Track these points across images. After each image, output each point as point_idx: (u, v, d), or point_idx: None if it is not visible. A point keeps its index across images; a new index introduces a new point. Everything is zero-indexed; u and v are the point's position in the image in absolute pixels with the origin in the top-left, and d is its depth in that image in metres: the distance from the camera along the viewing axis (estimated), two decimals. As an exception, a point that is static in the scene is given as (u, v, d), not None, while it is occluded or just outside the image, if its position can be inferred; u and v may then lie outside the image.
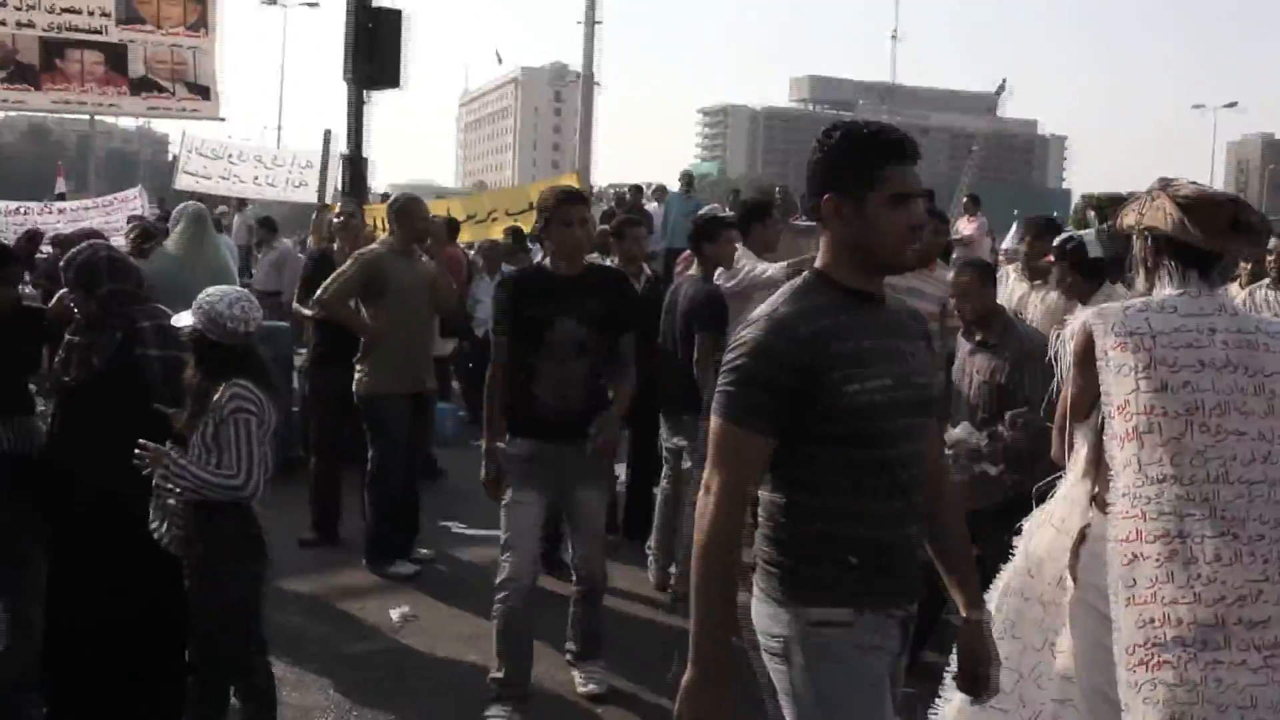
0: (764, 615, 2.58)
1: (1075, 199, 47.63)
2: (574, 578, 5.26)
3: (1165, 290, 3.04)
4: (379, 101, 14.71)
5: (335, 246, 7.96)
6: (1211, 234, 2.98)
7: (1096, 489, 3.15)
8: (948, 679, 3.27)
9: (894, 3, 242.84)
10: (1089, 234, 5.56)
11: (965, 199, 18.79)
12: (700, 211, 7.66)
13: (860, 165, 2.50)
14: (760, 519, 2.61)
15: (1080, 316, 3.10)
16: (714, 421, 2.50)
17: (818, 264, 2.59)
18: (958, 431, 4.88)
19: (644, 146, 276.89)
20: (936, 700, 3.47)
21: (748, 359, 2.46)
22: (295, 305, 8.07)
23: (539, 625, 5.09)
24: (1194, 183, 3.10)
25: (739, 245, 6.70)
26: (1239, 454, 2.87)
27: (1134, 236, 3.16)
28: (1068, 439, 3.22)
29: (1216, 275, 3.06)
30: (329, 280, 6.90)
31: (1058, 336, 3.20)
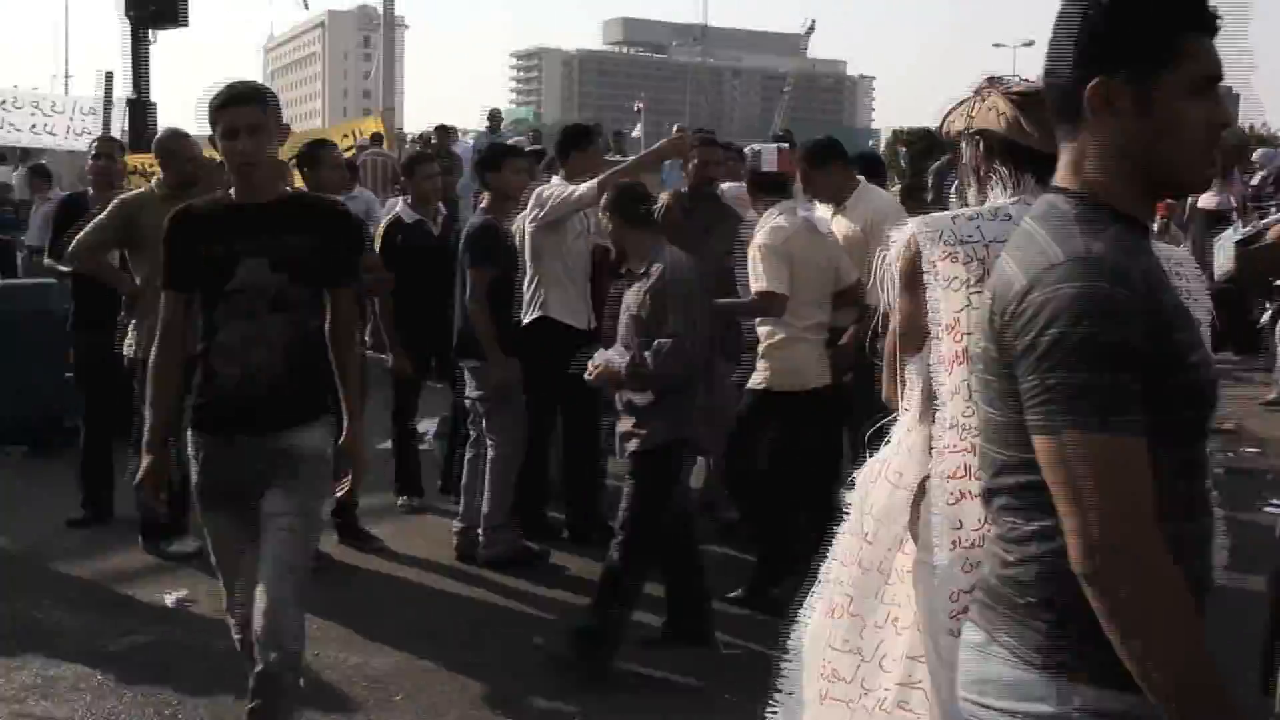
0: (1005, 682, 1.78)
1: (885, 136, 48.56)
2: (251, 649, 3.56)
3: (999, 198, 2.69)
4: (172, 46, 13.82)
5: (90, 192, 7.14)
6: (1049, 133, 2.62)
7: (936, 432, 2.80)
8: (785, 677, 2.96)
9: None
10: (767, 148, 5.72)
11: (778, 136, 18.69)
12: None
13: (1152, 32, 1.76)
14: (1010, 545, 1.81)
15: (905, 230, 2.73)
16: (1068, 440, 1.64)
17: (1069, 181, 1.86)
18: (610, 353, 4.81)
19: (457, 91, 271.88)
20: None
21: (1089, 324, 1.63)
22: (47, 260, 7.26)
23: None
24: (1025, 79, 2.74)
25: (556, 176, 6.24)
26: None
27: (963, 143, 2.80)
28: (899, 375, 2.84)
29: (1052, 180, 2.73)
30: (81, 228, 6.14)
31: (880, 257, 2.82)
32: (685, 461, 4.86)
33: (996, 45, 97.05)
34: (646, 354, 4.64)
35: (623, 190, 5.04)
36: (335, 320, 3.70)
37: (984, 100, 2.72)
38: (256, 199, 3.60)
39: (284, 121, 3.69)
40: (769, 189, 5.55)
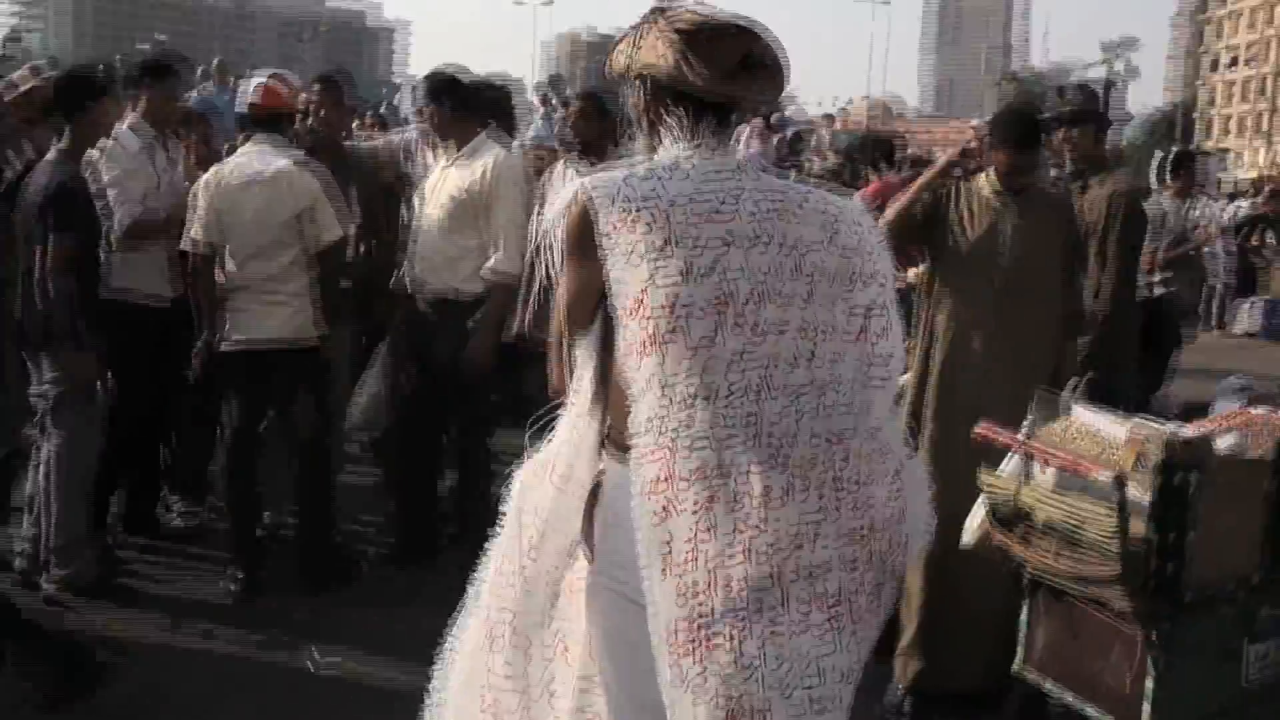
0: None
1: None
2: None
3: (674, 149, 2.34)
4: None
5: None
6: (719, 76, 2.30)
7: (610, 424, 2.41)
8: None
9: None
10: (255, 79, 5.16)
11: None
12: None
13: None
14: None
15: (570, 187, 2.32)
16: None
17: None
18: None
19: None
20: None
21: None
22: None
23: None
24: (690, 9, 2.37)
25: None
26: (781, 355, 2.25)
27: (626, 83, 2.43)
28: (567, 359, 2.43)
29: (732, 127, 2.41)
30: None
31: (537, 218, 2.39)
32: None
33: (517, 3, 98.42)
34: None
35: None
36: None
37: (647, 34, 2.34)
38: None
39: None
40: (252, 123, 5.05)
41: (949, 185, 4.31)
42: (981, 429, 3.57)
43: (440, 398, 5.18)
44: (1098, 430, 3.44)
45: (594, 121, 5.33)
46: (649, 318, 2.18)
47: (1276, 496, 3.27)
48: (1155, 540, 3.15)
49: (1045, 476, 3.51)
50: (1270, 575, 3.32)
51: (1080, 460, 3.28)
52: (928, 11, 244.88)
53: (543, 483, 2.47)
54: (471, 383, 5.05)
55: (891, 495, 2.36)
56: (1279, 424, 3.41)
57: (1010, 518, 3.50)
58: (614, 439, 2.38)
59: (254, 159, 4.96)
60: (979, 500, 3.61)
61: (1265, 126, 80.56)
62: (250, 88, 5.04)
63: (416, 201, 5.27)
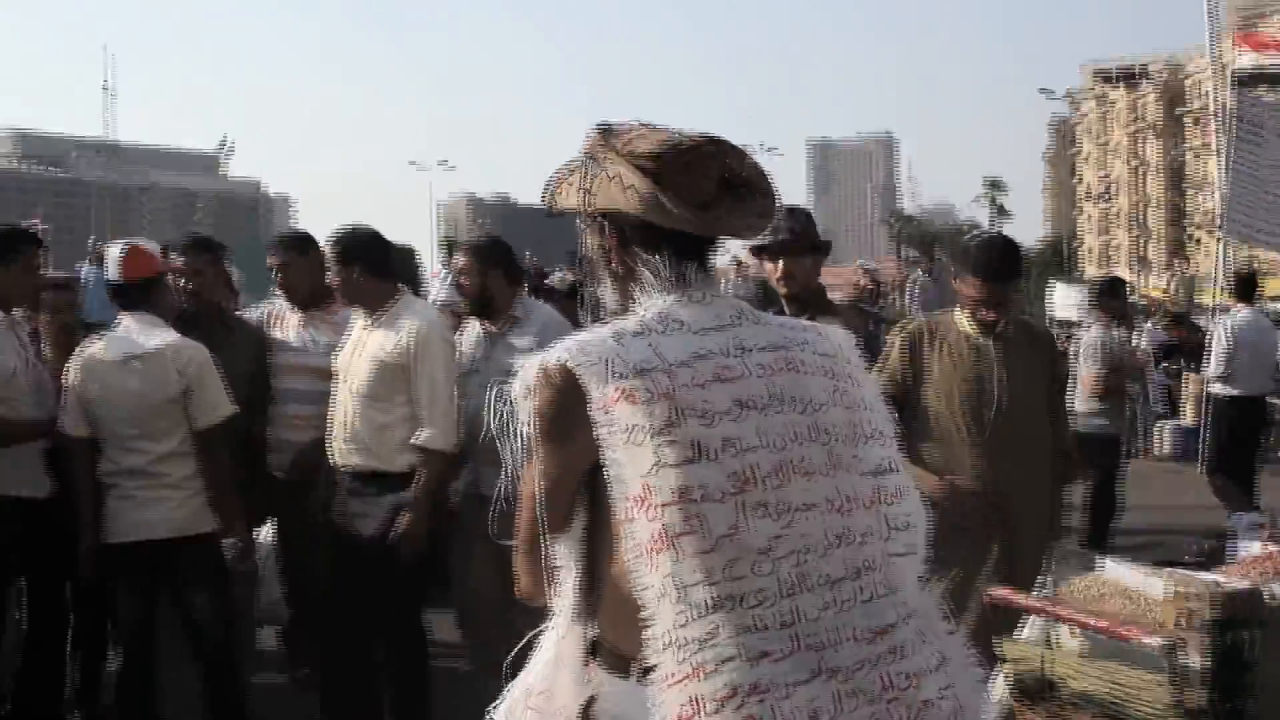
0: None
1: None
2: None
3: (657, 299, 1.94)
4: None
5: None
6: (700, 207, 1.92)
7: (602, 632, 1.97)
8: None
9: (104, 54, 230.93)
10: (114, 248, 4.63)
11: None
12: None
13: None
14: None
15: (540, 358, 1.90)
16: None
17: None
18: None
19: None
20: None
21: None
22: None
23: None
24: (643, 124, 1.98)
25: None
26: (814, 539, 1.85)
27: (582, 226, 2.04)
28: (542, 561, 1.97)
29: (713, 265, 2.02)
30: None
31: (498, 392, 1.95)
32: None
33: (412, 163, 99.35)
34: None
35: None
36: None
37: (601, 167, 1.95)
38: None
39: None
40: (120, 299, 4.50)
41: (917, 329, 3.98)
42: (998, 593, 3.16)
43: (367, 583, 4.60)
44: (1129, 586, 3.05)
45: (479, 277, 4.89)
46: (658, 507, 1.75)
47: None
48: (1213, 708, 2.75)
49: (1070, 641, 3.10)
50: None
51: (1122, 626, 2.87)
52: (809, 159, 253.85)
53: (521, 713, 2.00)
54: (406, 563, 4.51)
55: (941, 691, 1.94)
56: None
57: (1034, 690, 3.08)
58: (608, 650, 1.94)
59: (130, 335, 4.46)
60: (996, 673, 3.19)
61: (1142, 253, 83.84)
62: (110, 262, 4.54)
63: (341, 371, 4.75)
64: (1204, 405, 8.07)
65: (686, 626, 1.75)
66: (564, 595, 1.97)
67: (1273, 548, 3.22)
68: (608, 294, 2.03)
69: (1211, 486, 8.54)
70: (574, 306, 3.70)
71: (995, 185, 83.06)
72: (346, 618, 4.63)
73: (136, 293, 4.49)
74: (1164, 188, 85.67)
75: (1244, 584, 2.91)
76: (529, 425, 1.89)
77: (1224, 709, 2.75)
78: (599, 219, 1.99)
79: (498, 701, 2.06)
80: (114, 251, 4.57)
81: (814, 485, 1.86)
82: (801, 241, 4.32)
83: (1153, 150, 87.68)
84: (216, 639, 4.54)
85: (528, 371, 1.89)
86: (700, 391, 1.81)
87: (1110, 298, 8.57)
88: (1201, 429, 8.13)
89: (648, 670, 1.82)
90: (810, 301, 4.32)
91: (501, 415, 1.93)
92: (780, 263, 4.34)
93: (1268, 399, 9.46)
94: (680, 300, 1.93)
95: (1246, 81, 8.68)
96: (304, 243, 5.33)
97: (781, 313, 3.91)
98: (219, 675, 4.58)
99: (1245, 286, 9.12)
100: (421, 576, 4.72)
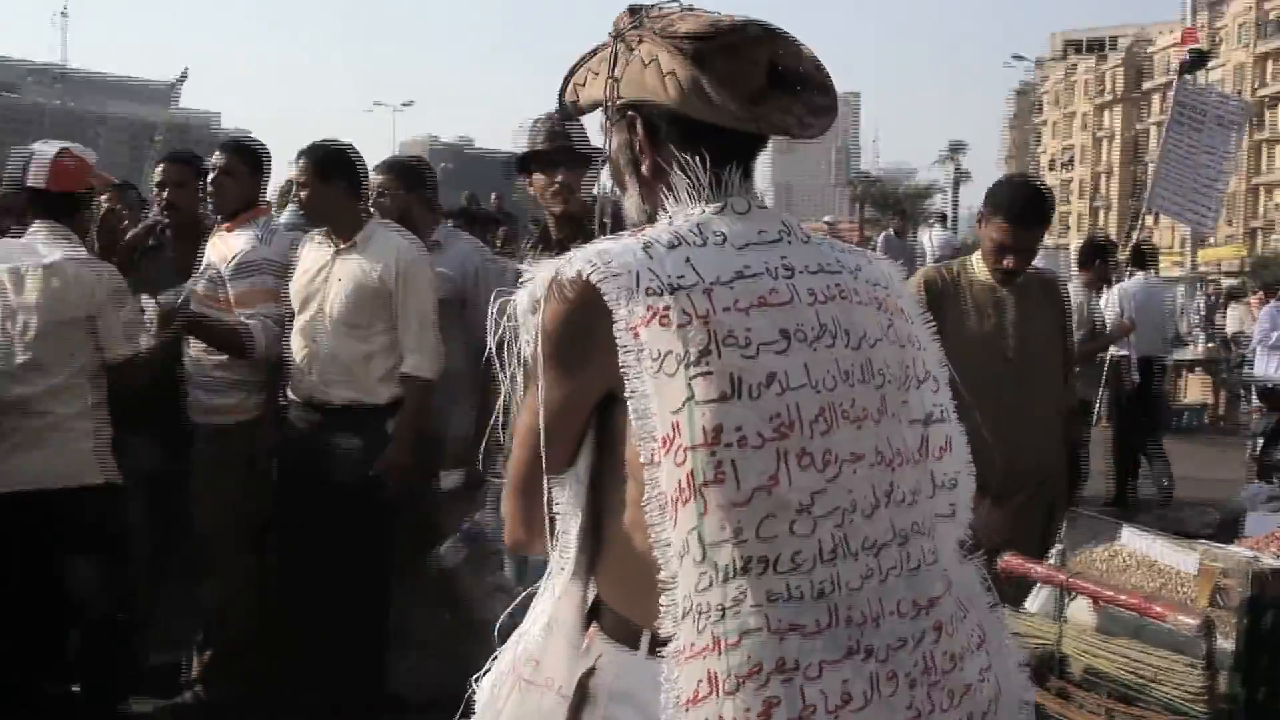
0: None
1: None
2: None
3: (691, 208, 1.66)
4: None
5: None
6: (749, 99, 1.64)
7: (605, 595, 1.71)
8: None
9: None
10: (42, 151, 4.01)
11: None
12: None
13: None
14: None
15: (551, 266, 1.61)
16: None
17: None
18: None
19: None
20: None
21: None
22: None
23: None
24: (687, 4, 1.70)
25: None
26: (860, 496, 1.59)
27: (605, 121, 1.75)
28: (542, 506, 1.69)
29: (754, 175, 1.75)
30: None
31: (500, 306, 1.66)
32: None
33: (377, 103, 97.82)
34: None
35: None
36: None
37: (634, 49, 1.67)
38: None
39: None
40: (37, 207, 3.96)
41: (933, 278, 3.72)
42: (1010, 560, 2.93)
43: (348, 528, 4.20)
44: (1156, 559, 2.83)
45: (400, 193, 4.59)
46: (686, 450, 1.48)
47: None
48: (1243, 696, 2.54)
49: (1084, 615, 2.88)
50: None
51: (1154, 602, 2.64)
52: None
53: (512, 683, 1.74)
54: (387, 501, 4.17)
55: (981, 673, 1.70)
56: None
57: (1043, 667, 2.86)
58: (613, 617, 1.68)
59: (32, 244, 3.91)
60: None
61: (1099, 224, 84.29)
62: (37, 165, 3.94)
63: (295, 297, 4.38)
64: (1104, 368, 8.31)
65: (708, 591, 1.49)
66: (565, 547, 1.69)
67: (1300, 523, 3.00)
68: (633, 203, 1.75)
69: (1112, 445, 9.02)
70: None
71: (956, 149, 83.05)
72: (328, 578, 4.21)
73: (58, 203, 3.95)
74: (1123, 160, 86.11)
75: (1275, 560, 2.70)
76: (533, 345, 1.61)
77: (1257, 697, 2.54)
78: (627, 113, 1.70)
79: (483, 670, 1.80)
80: (44, 153, 3.97)
81: (863, 433, 1.60)
82: (578, 149, 3.70)
83: (1115, 121, 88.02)
84: (99, 614, 3.97)
85: (536, 283, 1.61)
86: (741, 317, 1.54)
87: (1094, 258, 8.32)
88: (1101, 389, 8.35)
89: (661, 642, 1.56)
90: (584, 225, 3.60)
91: (502, 332, 1.65)
92: (560, 174, 3.69)
93: (1162, 360, 10.05)
94: (719, 210, 1.65)
95: (1188, 69, 9.11)
96: (252, 153, 4.68)
97: (551, 248, 3.55)
98: (96, 658, 4.05)
99: (1138, 256, 9.89)
100: (395, 519, 4.37)
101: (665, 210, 1.68)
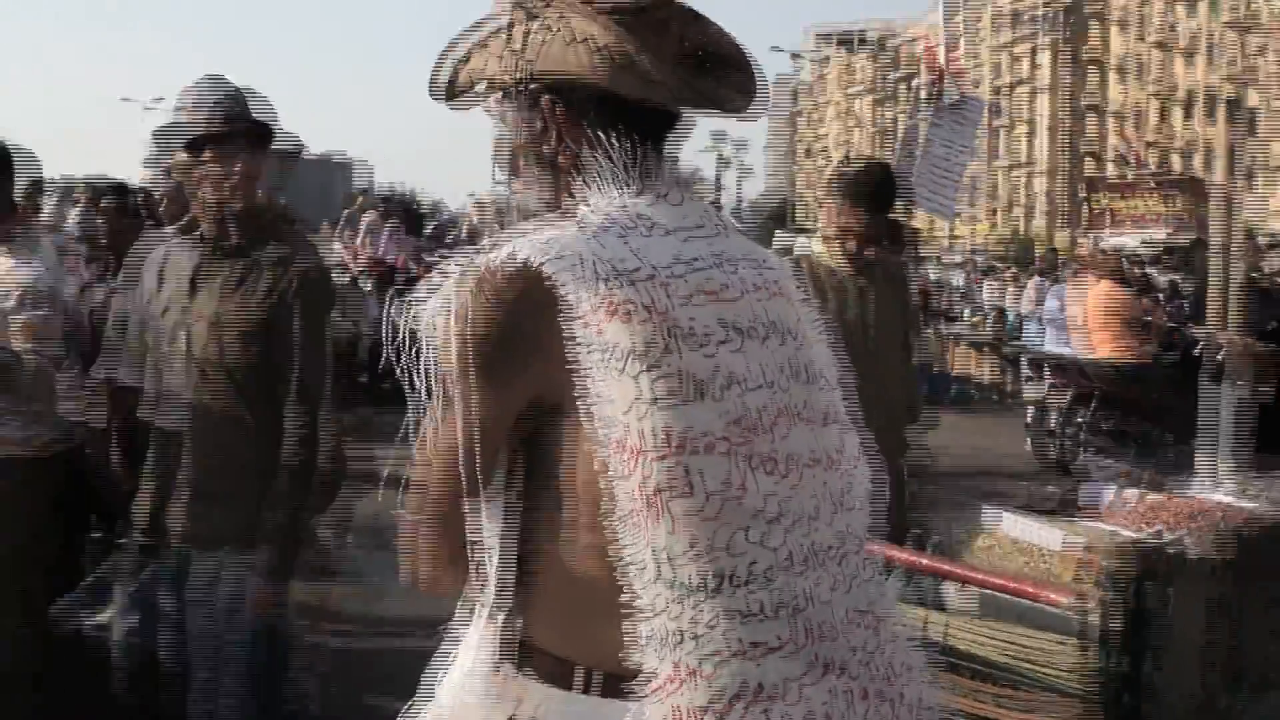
0: None
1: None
2: None
3: (612, 196, 1.50)
4: None
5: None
6: (684, 69, 1.51)
7: (529, 629, 1.52)
8: None
9: None
10: None
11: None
12: None
13: None
14: None
15: (492, 256, 1.42)
16: None
17: None
18: None
19: None
20: None
21: None
22: None
23: None
24: None
25: None
26: (820, 503, 1.48)
27: (504, 101, 1.57)
28: (457, 534, 1.48)
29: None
30: None
31: (406, 304, 1.45)
32: None
33: (125, 100, 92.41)
34: None
35: None
36: None
37: (548, 25, 1.50)
38: None
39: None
40: None
41: (803, 263, 3.63)
42: (880, 548, 2.88)
43: None
44: (1021, 538, 2.83)
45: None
46: (648, 460, 1.33)
47: (1238, 604, 2.76)
48: (1122, 672, 2.56)
49: (957, 600, 2.87)
50: (1231, 700, 2.80)
51: (1027, 583, 2.64)
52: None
53: None
54: None
55: (910, 675, 1.64)
56: (1209, 511, 2.93)
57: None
58: (544, 653, 1.50)
59: None
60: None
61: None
62: None
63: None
64: None
65: (672, 613, 1.36)
66: (487, 582, 1.50)
67: (1152, 496, 3.07)
68: (535, 195, 1.57)
69: None
70: None
71: (719, 137, 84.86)
72: None
73: None
74: (874, 148, 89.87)
75: (1145, 534, 2.73)
76: (455, 354, 1.42)
77: (1134, 671, 2.56)
78: (534, 92, 1.52)
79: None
80: None
81: (814, 435, 1.50)
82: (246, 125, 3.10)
83: (865, 111, 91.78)
84: None
85: (450, 283, 1.42)
86: (695, 310, 1.41)
87: (895, 243, 8.38)
88: None
89: (607, 678, 1.41)
90: (266, 221, 3.15)
91: (404, 341, 1.45)
92: (239, 162, 3.09)
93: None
94: (646, 197, 1.50)
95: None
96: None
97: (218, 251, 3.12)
98: None
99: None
100: None
101: (574, 199, 1.51)
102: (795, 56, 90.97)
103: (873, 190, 3.53)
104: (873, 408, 3.36)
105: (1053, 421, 8.91)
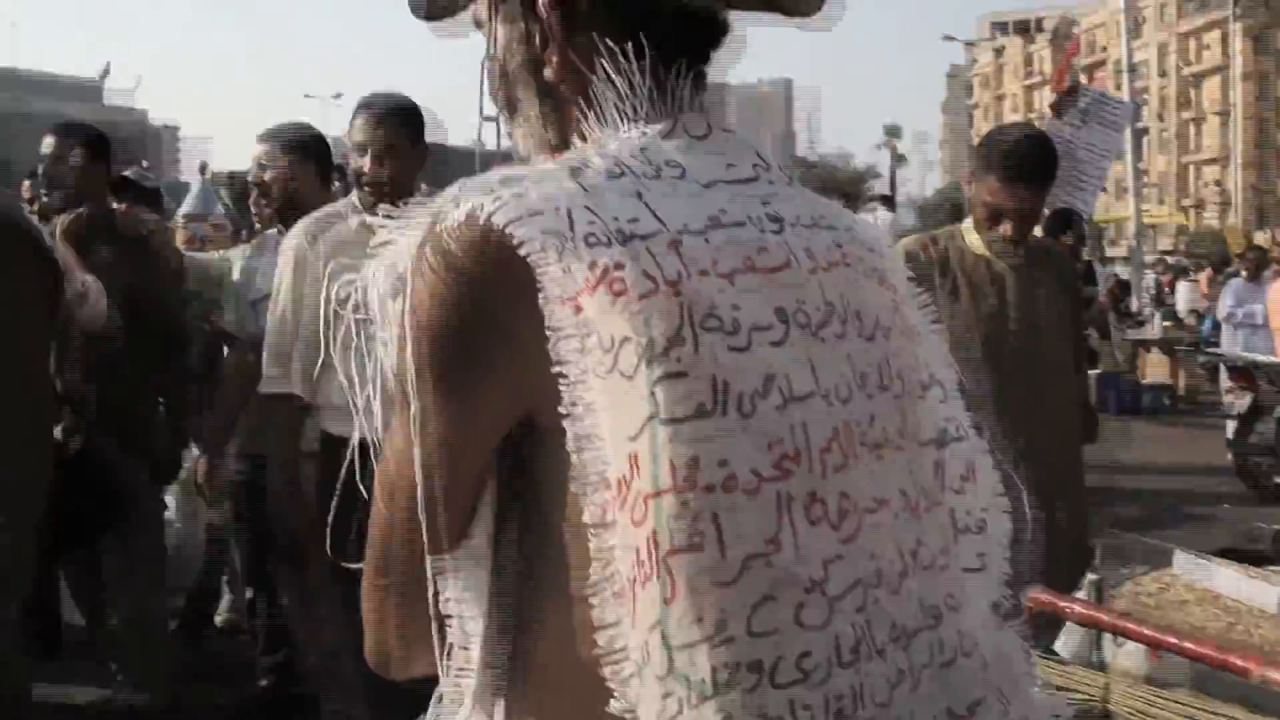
0: None
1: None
2: None
3: (625, 129, 1.06)
4: None
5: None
6: None
7: (524, 714, 1.08)
8: None
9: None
10: None
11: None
12: None
13: None
14: None
15: (446, 216, 0.98)
16: None
17: None
18: None
19: None
20: None
21: None
22: None
23: None
24: None
25: None
26: (884, 565, 1.01)
27: (484, 17, 1.15)
28: (420, 598, 1.04)
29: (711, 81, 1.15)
30: None
31: (342, 296, 1.04)
32: None
33: (308, 96, 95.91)
34: None
35: None
36: None
37: None
38: None
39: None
40: None
41: (933, 243, 3.11)
42: (1039, 596, 2.36)
43: None
44: (1221, 592, 2.28)
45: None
46: (646, 500, 0.90)
47: None
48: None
49: (1127, 660, 2.34)
50: None
51: (1229, 651, 2.09)
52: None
53: None
54: None
55: None
56: None
57: (1081, 724, 2.31)
58: None
59: None
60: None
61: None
62: None
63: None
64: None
65: (679, 711, 0.91)
66: (462, 665, 1.07)
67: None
68: (528, 128, 1.15)
69: None
70: None
71: (892, 132, 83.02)
72: None
73: None
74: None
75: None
76: (406, 350, 1.00)
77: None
78: (533, 5, 1.10)
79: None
80: None
81: (886, 467, 1.03)
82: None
83: (1046, 102, 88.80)
84: None
85: (398, 248, 1.01)
86: (724, 285, 0.96)
87: (1063, 228, 7.56)
88: None
89: None
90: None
91: (348, 339, 1.05)
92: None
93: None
94: (668, 132, 1.06)
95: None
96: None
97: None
98: None
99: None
100: None
101: (582, 136, 1.08)
102: (969, 45, 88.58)
103: (1032, 163, 2.97)
104: (1033, 425, 2.89)
105: (1257, 436, 7.92)
